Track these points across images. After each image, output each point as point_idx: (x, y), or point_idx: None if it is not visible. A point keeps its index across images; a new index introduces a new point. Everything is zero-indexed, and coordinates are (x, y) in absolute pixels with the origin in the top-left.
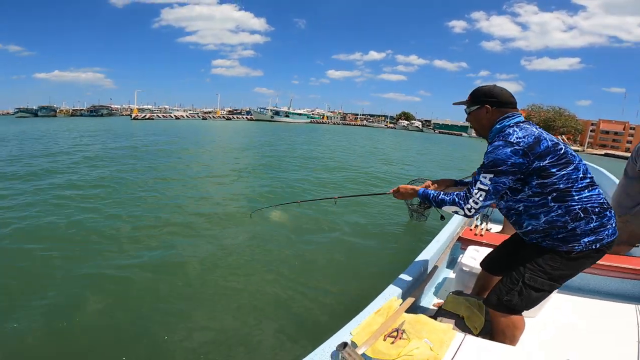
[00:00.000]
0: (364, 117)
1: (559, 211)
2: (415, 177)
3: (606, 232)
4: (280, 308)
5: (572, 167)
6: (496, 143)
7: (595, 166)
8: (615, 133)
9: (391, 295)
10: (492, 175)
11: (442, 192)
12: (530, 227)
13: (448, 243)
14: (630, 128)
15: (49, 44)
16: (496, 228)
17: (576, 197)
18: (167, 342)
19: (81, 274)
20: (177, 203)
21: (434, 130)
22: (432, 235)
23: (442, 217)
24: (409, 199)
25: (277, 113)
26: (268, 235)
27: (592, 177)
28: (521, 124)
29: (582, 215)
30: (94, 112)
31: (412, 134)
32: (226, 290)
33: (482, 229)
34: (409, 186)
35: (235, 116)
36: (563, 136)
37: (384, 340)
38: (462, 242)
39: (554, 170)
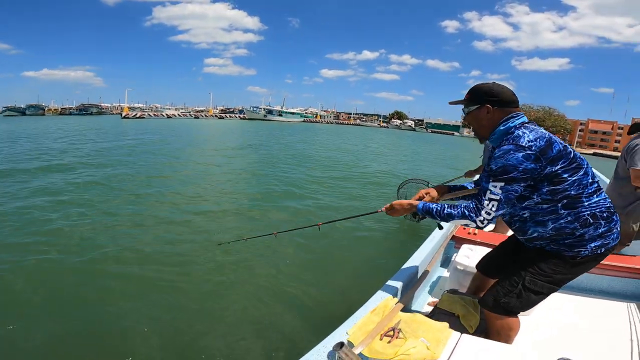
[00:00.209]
0: (357, 116)
1: (569, 218)
2: (410, 178)
3: (612, 236)
4: (275, 309)
5: (582, 172)
6: (505, 147)
7: None
8: (604, 133)
9: (386, 295)
10: (502, 184)
11: (446, 205)
12: (535, 234)
13: (442, 242)
14: (619, 128)
15: (38, 42)
16: (489, 227)
17: (586, 203)
18: (164, 344)
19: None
20: (164, 214)
21: (427, 130)
22: (426, 234)
23: (441, 226)
24: (404, 214)
25: (270, 112)
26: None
27: (598, 181)
28: (527, 125)
29: (592, 221)
30: (84, 110)
31: (404, 133)
32: (219, 292)
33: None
34: (405, 201)
35: (228, 115)
36: None
37: (381, 339)
38: (456, 241)
39: (565, 175)
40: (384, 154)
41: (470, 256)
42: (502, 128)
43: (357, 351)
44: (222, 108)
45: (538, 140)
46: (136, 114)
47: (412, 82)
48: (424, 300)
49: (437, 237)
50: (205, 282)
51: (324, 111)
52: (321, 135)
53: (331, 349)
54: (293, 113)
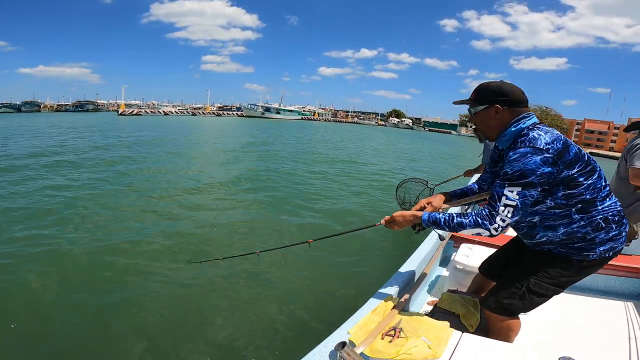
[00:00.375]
0: (355, 114)
1: (581, 222)
2: (408, 177)
3: (621, 240)
4: (276, 309)
5: (596, 175)
6: (522, 150)
7: None
8: (600, 132)
9: (386, 294)
10: (519, 189)
11: (455, 215)
12: (544, 239)
13: (441, 241)
14: (615, 128)
15: (35, 39)
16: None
17: (599, 207)
18: (164, 343)
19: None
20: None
21: (424, 128)
22: (425, 233)
23: (442, 237)
24: (407, 226)
25: (267, 109)
26: (260, 236)
27: (609, 184)
28: (540, 126)
29: (604, 225)
30: (79, 107)
31: (402, 132)
32: (221, 293)
33: None
34: (407, 213)
35: (225, 112)
36: None
37: (382, 339)
38: (455, 240)
39: (581, 179)
40: (382, 152)
41: (469, 255)
42: (513, 129)
43: (358, 351)
44: (219, 105)
45: (555, 142)
46: (133, 111)
47: (410, 81)
48: (423, 300)
49: (436, 236)
50: (199, 285)
51: (322, 109)
52: (319, 134)
53: (332, 348)
54: (291, 111)
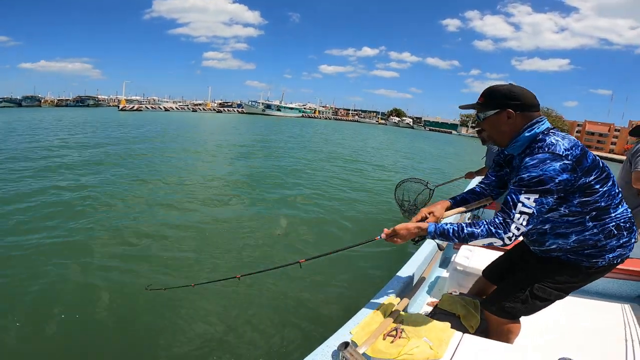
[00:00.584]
0: (355, 112)
1: (594, 230)
2: (409, 177)
3: (630, 247)
4: (278, 308)
5: (610, 182)
6: (540, 156)
7: None
8: (600, 134)
9: (388, 295)
10: (537, 196)
11: (465, 224)
12: (554, 246)
13: (441, 243)
14: (615, 130)
15: (37, 34)
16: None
17: (612, 215)
18: (167, 342)
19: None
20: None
21: (425, 128)
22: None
23: (441, 248)
24: (410, 239)
25: (268, 106)
26: (263, 237)
27: (620, 191)
28: (555, 131)
29: (615, 232)
30: (80, 102)
31: (403, 131)
32: (223, 291)
33: None
34: (411, 225)
35: (226, 109)
36: None
37: (384, 339)
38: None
39: (597, 186)
40: (383, 151)
41: (469, 257)
42: (527, 135)
43: (360, 351)
44: (220, 102)
45: (574, 148)
46: (133, 107)
47: (411, 80)
48: (423, 301)
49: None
50: (202, 284)
51: (323, 107)
52: (318, 132)
53: (335, 348)
54: (291, 108)
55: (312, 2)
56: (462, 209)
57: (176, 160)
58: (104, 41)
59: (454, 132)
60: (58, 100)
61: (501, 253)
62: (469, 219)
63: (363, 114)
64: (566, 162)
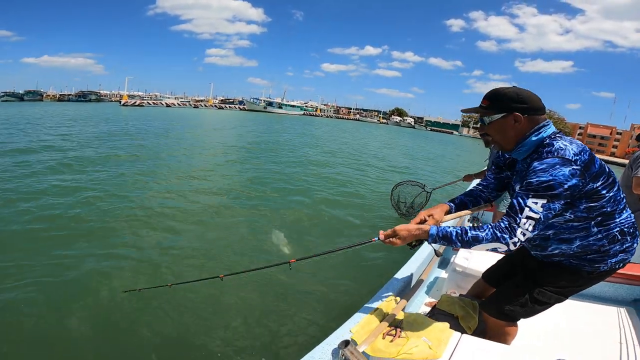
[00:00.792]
0: (357, 111)
1: (599, 235)
2: (405, 180)
3: (632, 252)
4: (277, 306)
5: (616, 188)
6: (549, 160)
7: None
8: (602, 137)
9: (387, 295)
10: (544, 201)
11: (469, 228)
12: (557, 251)
13: (438, 249)
14: (617, 133)
15: (40, 29)
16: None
17: (617, 220)
18: (168, 341)
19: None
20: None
21: (426, 128)
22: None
23: (438, 254)
24: (410, 241)
25: (270, 104)
26: (263, 236)
27: (624, 196)
28: (561, 135)
29: (619, 237)
30: (82, 97)
31: (404, 130)
32: (224, 291)
33: None
34: (412, 226)
35: (227, 106)
36: None
37: (383, 338)
38: None
39: (604, 192)
40: (384, 153)
41: (469, 258)
42: (534, 139)
43: (360, 349)
44: (221, 98)
45: (582, 153)
46: (135, 102)
47: (413, 80)
48: (421, 301)
49: None
50: (202, 283)
51: (324, 105)
52: (322, 129)
53: (335, 346)
54: (293, 106)
55: (316, 0)
56: (462, 213)
57: (171, 157)
58: (107, 37)
59: (455, 132)
60: (60, 95)
61: (501, 256)
62: (468, 221)
63: (364, 113)
64: (575, 167)
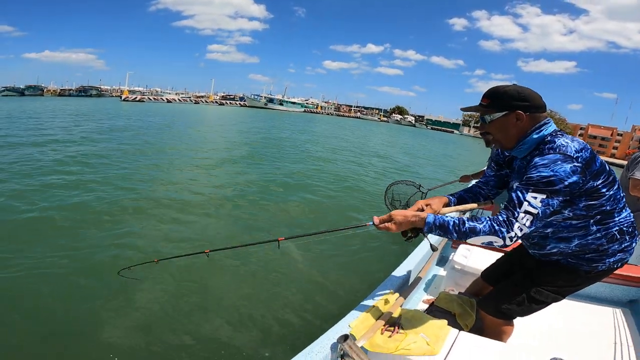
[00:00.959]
0: (357, 109)
1: (598, 234)
2: (400, 179)
3: (631, 251)
4: (276, 302)
5: (616, 186)
6: (551, 156)
7: None
8: (603, 138)
9: (386, 291)
10: (544, 196)
11: (466, 219)
12: (555, 250)
13: (439, 241)
14: (618, 134)
15: (42, 24)
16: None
17: (616, 219)
18: (170, 337)
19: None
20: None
21: (427, 126)
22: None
23: (434, 248)
24: (405, 228)
25: (271, 100)
26: (262, 228)
27: (624, 195)
28: (562, 133)
29: (618, 236)
30: (83, 92)
31: (404, 129)
32: (222, 285)
33: None
34: (409, 212)
35: (228, 102)
36: None
37: (382, 334)
38: (454, 241)
39: (604, 190)
40: (385, 151)
41: (467, 256)
42: (535, 137)
43: (359, 344)
44: (222, 94)
45: (583, 151)
46: (136, 98)
47: (415, 78)
48: (419, 298)
49: (434, 237)
50: (200, 278)
51: (325, 102)
52: (323, 127)
53: (334, 340)
54: (294, 103)
55: None
56: (460, 207)
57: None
58: (109, 33)
59: (455, 131)
60: (61, 90)
61: (500, 255)
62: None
63: (365, 110)
64: (576, 164)
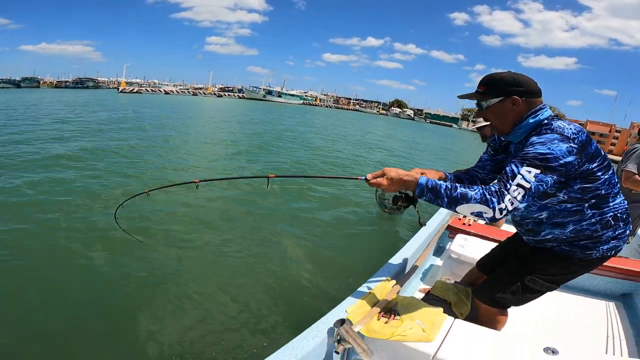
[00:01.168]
0: (356, 102)
1: (592, 220)
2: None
3: (624, 239)
4: (274, 288)
5: (611, 171)
6: (549, 135)
7: None
8: (601, 135)
9: (382, 278)
10: (538, 171)
11: (459, 185)
12: (550, 236)
13: (437, 231)
14: (616, 131)
15: (38, 17)
16: (482, 221)
17: (611, 204)
18: (170, 327)
19: None
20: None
21: (425, 120)
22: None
23: (422, 223)
24: (395, 190)
25: (269, 92)
26: (258, 216)
27: (618, 181)
28: (559, 118)
29: (612, 222)
30: (79, 84)
31: (403, 122)
32: (219, 270)
33: (470, 219)
34: (402, 171)
35: (227, 94)
36: None
37: (378, 319)
38: (451, 231)
39: (599, 174)
40: (384, 143)
41: (464, 246)
42: (531, 121)
43: (355, 329)
44: (221, 86)
45: (580, 133)
46: (133, 89)
47: (414, 72)
48: (415, 287)
49: (432, 226)
50: (195, 262)
51: (324, 95)
52: (321, 119)
53: (331, 325)
54: (293, 95)
55: None
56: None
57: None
58: (106, 24)
59: (454, 125)
60: (57, 82)
61: (495, 244)
62: None
63: (364, 103)
64: (573, 145)
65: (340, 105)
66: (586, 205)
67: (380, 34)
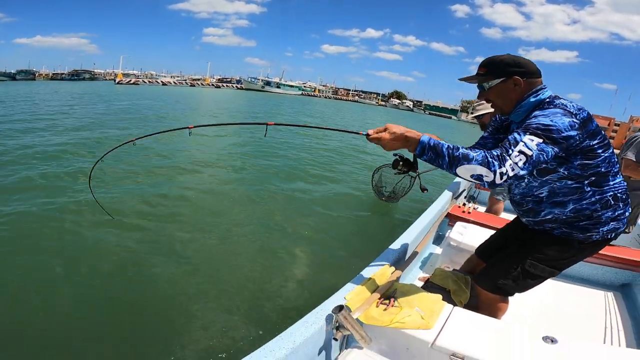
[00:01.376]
0: (355, 93)
1: (592, 198)
2: (386, 163)
3: (624, 220)
4: (271, 274)
5: (611, 150)
6: (552, 110)
7: None
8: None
9: (381, 265)
10: (540, 140)
11: (461, 146)
12: (550, 216)
13: (436, 219)
14: (615, 124)
15: (33, 9)
16: (481, 209)
17: (611, 183)
18: (168, 324)
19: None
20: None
21: (424, 111)
22: (421, 209)
23: (424, 189)
24: (396, 148)
25: (268, 83)
26: (255, 202)
27: (618, 161)
28: (560, 97)
29: (612, 202)
30: (75, 76)
31: (402, 113)
32: (217, 258)
33: (469, 207)
34: (405, 128)
35: (225, 84)
36: None
37: (377, 307)
38: (450, 219)
39: (600, 151)
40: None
41: (463, 233)
42: (532, 100)
43: (354, 316)
44: (219, 77)
45: (582, 111)
46: (130, 80)
47: (414, 64)
48: (415, 275)
49: (431, 214)
50: (194, 252)
51: (323, 86)
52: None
53: (330, 312)
54: (291, 86)
55: None
56: None
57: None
58: (102, 16)
59: (453, 117)
60: (53, 74)
61: (494, 231)
62: (465, 198)
63: (363, 94)
64: (575, 120)
65: (339, 96)
66: (586, 182)
67: (379, 26)
